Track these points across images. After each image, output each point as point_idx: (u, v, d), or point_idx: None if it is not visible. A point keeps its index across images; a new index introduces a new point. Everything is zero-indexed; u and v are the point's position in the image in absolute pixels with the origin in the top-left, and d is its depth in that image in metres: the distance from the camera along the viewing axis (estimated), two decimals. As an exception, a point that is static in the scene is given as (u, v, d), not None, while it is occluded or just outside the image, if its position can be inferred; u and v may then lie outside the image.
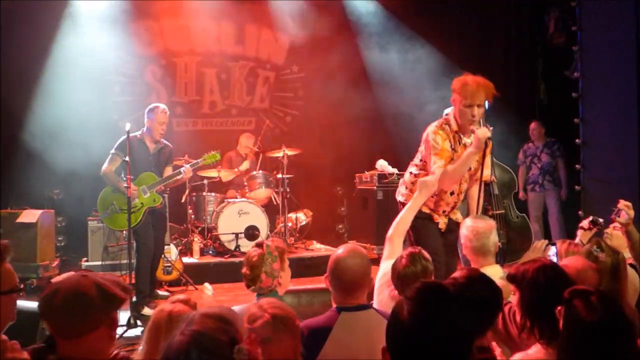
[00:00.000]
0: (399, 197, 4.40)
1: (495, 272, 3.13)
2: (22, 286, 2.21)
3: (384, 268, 3.31)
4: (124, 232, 6.20)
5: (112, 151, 5.77)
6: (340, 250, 2.75)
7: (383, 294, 3.19)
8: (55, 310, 1.91)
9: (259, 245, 2.96)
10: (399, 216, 3.75)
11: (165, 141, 5.96)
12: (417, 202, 3.82)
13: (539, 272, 2.33)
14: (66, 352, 1.91)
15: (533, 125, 8.03)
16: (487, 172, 4.33)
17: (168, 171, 5.96)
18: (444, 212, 4.25)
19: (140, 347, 2.33)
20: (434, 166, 4.01)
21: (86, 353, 1.90)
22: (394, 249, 3.50)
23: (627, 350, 1.88)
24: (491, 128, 4.10)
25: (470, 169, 4.17)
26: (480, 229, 3.42)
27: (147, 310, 5.50)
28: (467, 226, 3.50)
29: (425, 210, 4.18)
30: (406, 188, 4.33)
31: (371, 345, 2.39)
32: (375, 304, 3.24)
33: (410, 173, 4.33)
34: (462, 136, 4.14)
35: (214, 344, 1.45)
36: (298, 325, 2.12)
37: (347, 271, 2.63)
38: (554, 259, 3.22)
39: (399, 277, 2.92)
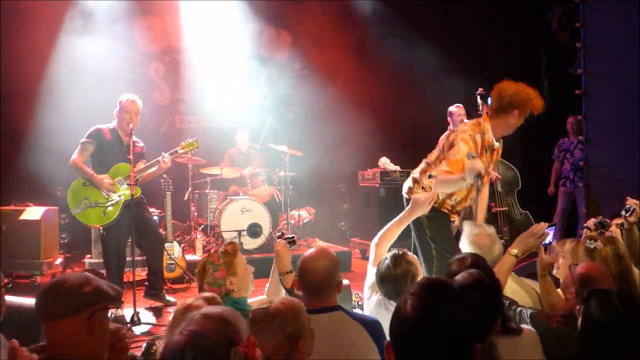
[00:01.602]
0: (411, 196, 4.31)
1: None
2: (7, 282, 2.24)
3: (371, 274, 3.28)
4: (97, 227, 5.70)
5: (83, 140, 5.38)
6: (309, 252, 2.74)
7: (371, 300, 3.17)
8: (62, 289, 1.91)
9: (208, 250, 2.99)
10: (386, 227, 3.64)
11: (137, 138, 5.54)
12: (406, 218, 3.73)
13: None
14: (56, 340, 1.89)
15: (571, 119, 7.89)
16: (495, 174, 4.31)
17: (139, 167, 5.46)
18: (457, 212, 4.26)
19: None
20: (438, 168, 3.94)
21: (78, 343, 1.88)
22: (379, 255, 3.46)
23: None
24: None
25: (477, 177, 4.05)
26: (486, 243, 3.33)
27: (117, 312, 5.10)
28: (471, 241, 3.39)
29: (444, 210, 4.19)
30: (422, 189, 4.22)
31: (336, 347, 2.38)
32: (365, 309, 3.24)
33: (431, 177, 4.17)
34: (494, 143, 4.10)
35: (210, 345, 1.44)
36: (296, 327, 2.10)
37: (312, 272, 2.62)
38: (550, 242, 3.24)
39: (380, 278, 2.94)
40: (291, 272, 3.10)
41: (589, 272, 2.66)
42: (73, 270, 6.38)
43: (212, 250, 2.99)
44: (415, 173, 4.32)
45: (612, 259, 3.04)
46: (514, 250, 3.07)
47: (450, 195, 4.14)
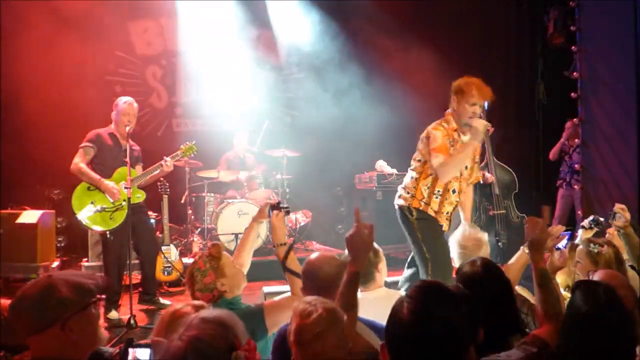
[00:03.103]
0: (399, 202, 4.35)
1: None
2: None
3: None
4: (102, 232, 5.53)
5: (84, 144, 5.33)
6: (313, 256, 2.76)
7: None
8: (24, 307, 1.87)
9: (194, 257, 2.97)
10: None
11: (133, 142, 5.54)
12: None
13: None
14: (39, 350, 1.87)
15: (569, 124, 7.82)
16: (478, 174, 4.48)
17: (138, 170, 5.56)
18: (447, 213, 4.28)
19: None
20: (434, 160, 4.05)
21: (61, 349, 1.86)
22: None
23: (622, 342, 1.91)
24: (491, 126, 4.18)
25: (467, 167, 4.24)
26: (469, 248, 3.34)
27: (113, 314, 5.22)
28: (456, 242, 3.42)
29: (431, 212, 4.22)
30: (408, 192, 4.30)
31: None
32: None
33: (412, 178, 4.32)
34: (460, 134, 4.21)
35: (211, 350, 1.44)
36: (343, 324, 2.10)
37: (320, 271, 2.63)
38: (563, 247, 3.24)
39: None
40: (285, 244, 3.07)
41: (608, 280, 2.59)
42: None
43: (196, 257, 2.94)
44: (411, 189, 4.31)
45: (614, 262, 3.04)
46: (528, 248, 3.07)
47: (433, 189, 4.20)
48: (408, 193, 4.29)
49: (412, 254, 4.37)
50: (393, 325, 1.62)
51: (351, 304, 2.22)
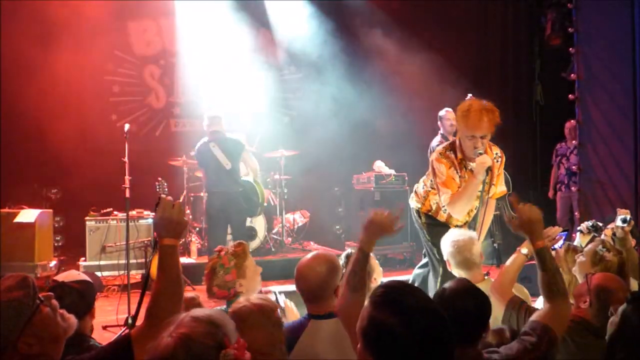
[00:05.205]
0: (412, 203, 4.41)
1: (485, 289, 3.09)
2: None
3: None
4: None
5: (248, 147, 6.23)
6: (304, 258, 2.67)
7: None
8: None
9: (218, 252, 2.93)
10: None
11: None
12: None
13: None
14: None
15: (569, 124, 7.71)
16: (502, 188, 4.21)
17: None
18: (456, 226, 4.21)
19: None
20: (443, 197, 3.95)
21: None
22: None
23: None
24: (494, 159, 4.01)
25: (481, 191, 3.98)
26: (460, 243, 3.29)
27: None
28: (448, 241, 3.38)
29: (441, 219, 4.21)
30: (419, 198, 4.31)
31: (343, 354, 2.33)
32: None
33: (423, 188, 4.29)
34: (467, 162, 3.97)
35: (200, 348, 1.44)
36: (278, 317, 2.19)
37: (304, 278, 2.56)
38: (557, 248, 3.24)
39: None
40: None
41: (606, 283, 2.62)
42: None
43: (222, 252, 2.90)
44: (421, 198, 4.31)
45: (616, 270, 3.02)
46: (524, 249, 3.04)
47: (440, 205, 4.13)
48: (419, 199, 4.30)
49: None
50: (367, 323, 1.55)
51: (359, 285, 2.21)
